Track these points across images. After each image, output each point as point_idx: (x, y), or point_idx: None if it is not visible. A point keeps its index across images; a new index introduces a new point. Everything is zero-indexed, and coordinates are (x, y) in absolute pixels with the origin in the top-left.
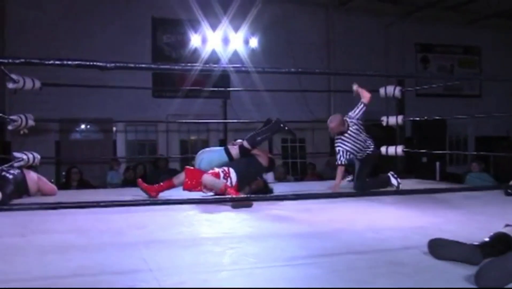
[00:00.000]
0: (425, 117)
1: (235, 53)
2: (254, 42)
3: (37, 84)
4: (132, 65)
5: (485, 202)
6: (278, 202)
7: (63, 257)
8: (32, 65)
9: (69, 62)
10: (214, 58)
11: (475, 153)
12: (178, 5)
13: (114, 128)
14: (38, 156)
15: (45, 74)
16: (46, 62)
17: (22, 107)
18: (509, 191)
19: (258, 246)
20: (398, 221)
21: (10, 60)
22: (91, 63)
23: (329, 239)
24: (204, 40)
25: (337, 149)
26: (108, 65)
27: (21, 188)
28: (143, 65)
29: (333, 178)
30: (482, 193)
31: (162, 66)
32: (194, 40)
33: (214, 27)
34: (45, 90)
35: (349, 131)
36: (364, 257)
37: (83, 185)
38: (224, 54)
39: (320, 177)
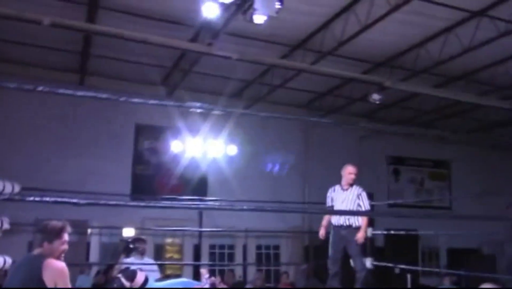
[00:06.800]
0: (392, 231)
1: (214, 159)
2: (233, 149)
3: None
4: (102, 202)
5: None
6: None
7: None
8: None
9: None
10: (193, 164)
11: (445, 270)
12: (160, 114)
13: (89, 231)
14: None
15: None
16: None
17: None
18: None
19: None
20: None
21: None
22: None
23: None
24: (183, 146)
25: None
26: (81, 201)
27: None
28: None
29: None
30: None
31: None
32: (174, 146)
33: (194, 133)
34: None
35: None
36: None
37: None
38: (203, 160)
39: (292, 286)
